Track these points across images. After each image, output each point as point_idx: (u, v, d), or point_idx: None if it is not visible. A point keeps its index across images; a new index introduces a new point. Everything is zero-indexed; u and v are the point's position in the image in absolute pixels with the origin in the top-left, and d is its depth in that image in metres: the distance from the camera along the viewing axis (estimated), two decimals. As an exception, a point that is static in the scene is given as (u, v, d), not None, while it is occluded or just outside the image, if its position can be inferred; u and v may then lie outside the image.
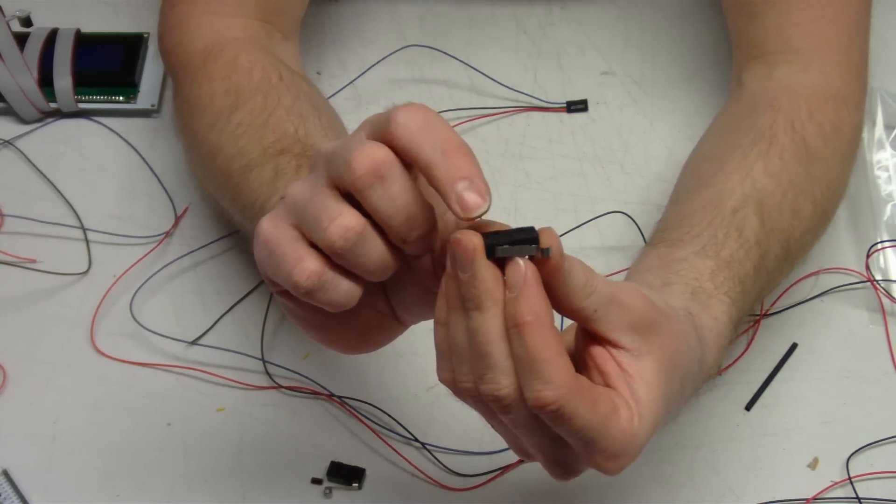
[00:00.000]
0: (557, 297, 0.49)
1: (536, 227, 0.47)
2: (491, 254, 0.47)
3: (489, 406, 0.50)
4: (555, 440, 0.50)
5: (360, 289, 0.50)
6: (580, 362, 0.52)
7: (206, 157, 0.73)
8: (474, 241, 0.46)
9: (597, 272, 0.50)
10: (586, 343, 0.51)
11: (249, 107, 0.70)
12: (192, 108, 0.74)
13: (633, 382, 0.50)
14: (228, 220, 0.78)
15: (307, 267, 0.48)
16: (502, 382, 0.48)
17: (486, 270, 0.47)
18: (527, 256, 0.47)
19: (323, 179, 0.48)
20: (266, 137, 0.68)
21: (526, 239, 0.47)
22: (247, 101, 0.71)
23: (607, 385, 0.50)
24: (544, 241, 0.47)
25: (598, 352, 0.51)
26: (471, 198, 0.45)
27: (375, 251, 0.48)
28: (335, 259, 0.48)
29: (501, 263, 0.47)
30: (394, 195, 0.47)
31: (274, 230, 0.50)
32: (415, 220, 0.47)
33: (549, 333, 0.47)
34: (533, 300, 0.47)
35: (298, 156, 0.66)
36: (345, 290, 0.49)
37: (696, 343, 0.56)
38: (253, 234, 0.68)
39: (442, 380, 0.51)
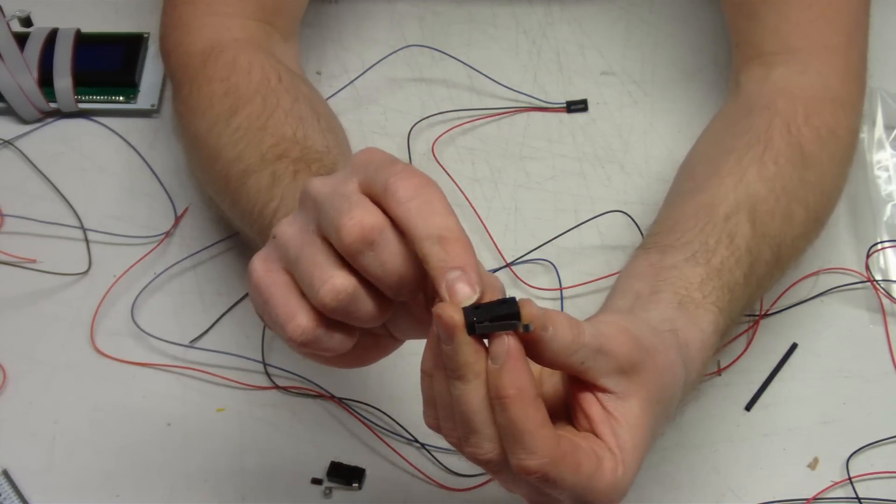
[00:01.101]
0: (543, 359, 0.49)
1: (517, 299, 0.47)
2: (472, 330, 0.46)
3: None
4: (542, 492, 0.50)
5: (354, 337, 0.50)
6: (567, 404, 0.52)
7: (206, 160, 0.73)
8: (455, 317, 0.46)
9: (582, 322, 0.50)
10: (573, 387, 0.52)
11: (248, 110, 0.70)
12: (192, 110, 0.74)
13: (618, 427, 0.51)
14: (228, 223, 0.78)
15: (300, 324, 0.48)
16: (485, 447, 0.49)
17: (466, 346, 0.47)
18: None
19: (313, 227, 0.48)
20: (264, 142, 0.68)
21: (507, 314, 0.47)
22: (245, 104, 0.71)
23: (593, 430, 0.51)
24: (525, 318, 0.47)
25: (585, 396, 0.51)
26: (461, 289, 0.46)
27: (367, 307, 0.48)
28: (327, 315, 0.48)
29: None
30: (384, 260, 0.47)
31: (266, 276, 0.50)
32: (406, 279, 0.48)
33: (532, 406, 0.47)
34: (516, 374, 0.47)
35: (296, 160, 0.66)
36: (337, 341, 0.50)
37: (681, 368, 0.56)
38: (252, 238, 0.68)
39: (428, 425, 0.51)
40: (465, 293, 0.46)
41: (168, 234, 0.82)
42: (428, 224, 0.46)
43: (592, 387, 0.51)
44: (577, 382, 0.51)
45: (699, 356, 0.59)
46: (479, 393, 0.47)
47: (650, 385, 0.52)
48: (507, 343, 0.47)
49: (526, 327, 0.47)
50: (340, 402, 0.74)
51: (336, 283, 0.47)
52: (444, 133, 0.86)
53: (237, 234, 0.80)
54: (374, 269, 0.47)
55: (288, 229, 0.50)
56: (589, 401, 0.51)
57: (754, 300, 0.70)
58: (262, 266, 0.50)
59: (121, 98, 0.88)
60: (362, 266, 0.47)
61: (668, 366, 0.55)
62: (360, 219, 0.46)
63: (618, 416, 0.51)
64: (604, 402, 0.51)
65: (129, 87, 0.88)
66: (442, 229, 0.46)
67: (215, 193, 0.74)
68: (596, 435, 0.51)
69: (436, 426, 0.51)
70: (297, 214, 0.50)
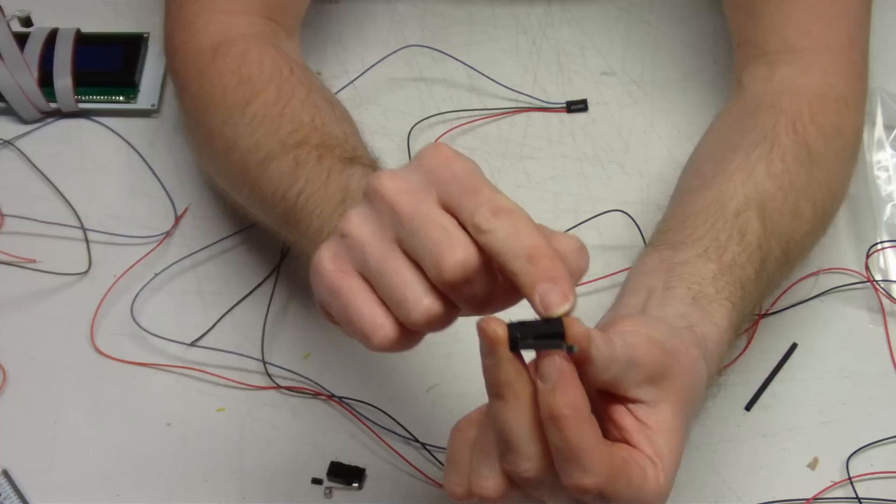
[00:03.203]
0: (581, 377, 0.48)
1: (563, 319, 0.46)
2: (514, 346, 0.46)
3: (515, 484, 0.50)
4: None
5: (420, 338, 0.50)
6: (595, 416, 0.52)
7: (221, 152, 0.72)
8: (498, 331, 0.46)
9: (610, 335, 0.50)
10: (600, 400, 0.51)
11: (263, 98, 0.70)
12: (205, 103, 0.74)
13: (654, 435, 0.51)
14: (243, 215, 0.77)
15: (388, 336, 0.48)
16: (524, 466, 0.48)
17: (507, 363, 0.46)
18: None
19: (390, 235, 0.48)
20: (283, 128, 0.68)
21: (552, 333, 0.46)
22: (260, 93, 0.71)
23: (626, 441, 0.51)
24: (570, 338, 0.46)
25: (615, 409, 0.51)
26: (553, 299, 0.45)
27: (448, 321, 0.48)
28: (410, 328, 0.48)
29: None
30: (476, 291, 0.47)
31: (341, 278, 0.49)
32: (492, 302, 0.48)
33: (588, 424, 0.47)
34: (570, 393, 0.46)
35: (318, 146, 0.66)
36: (412, 344, 0.49)
37: (703, 366, 0.56)
38: (272, 225, 0.68)
39: (456, 495, 0.51)
40: (557, 302, 0.45)
41: (168, 234, 0.82)
42: (516, 247, 0.46)
43: (622, 398, 0.51)
44: (605, 395, 0.51)
45: (716, 350, 0.59)
46: (515, 413, 0.47)
47: (678, 388, 0.52)
48: (559, 363, 0.46)
49: (570, 348, 0.46)
50: (340, 402, 0.74)
51: (430, 306, 0.47)
52: (445, 133, 0.86)
53: (238, 233, 0.80)
54: (464, 297, 0.47)
55: (361, 231, 0.48)
56: (620, 412, 0.51)
57: (765, 297, 0.69)
58: (333, 266, 0.49)
59: (121, 98, 0.88)
60: (454, 294, 0.47)
61: (692, 365, 0.54)
62: (464, 259, 0.46)
63: (651, 424, 0.51)
64: (635, 413, 0.51)
65: (129, 87, 0.88)
66: (530, 248, 0.46)
67: (232, 185, 0.74)
68: (631, 445, 0.51)
69: (463, 493, 0.51)
70: (366, 213, 0.49)
